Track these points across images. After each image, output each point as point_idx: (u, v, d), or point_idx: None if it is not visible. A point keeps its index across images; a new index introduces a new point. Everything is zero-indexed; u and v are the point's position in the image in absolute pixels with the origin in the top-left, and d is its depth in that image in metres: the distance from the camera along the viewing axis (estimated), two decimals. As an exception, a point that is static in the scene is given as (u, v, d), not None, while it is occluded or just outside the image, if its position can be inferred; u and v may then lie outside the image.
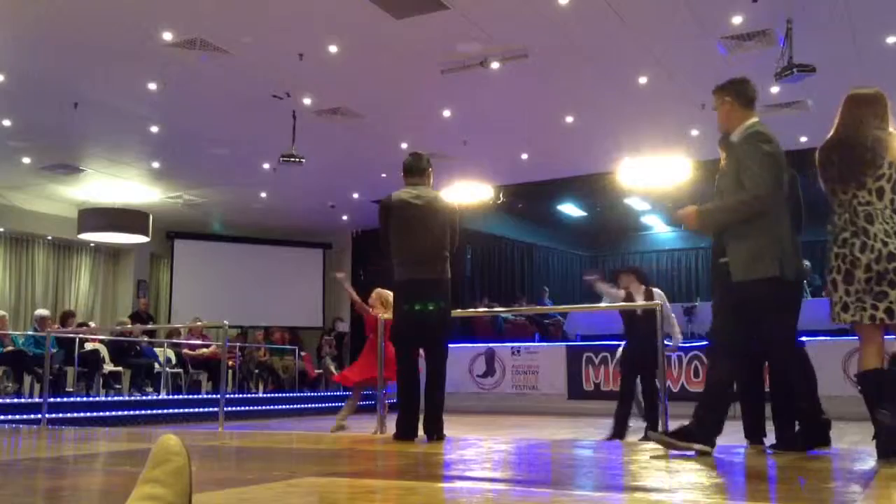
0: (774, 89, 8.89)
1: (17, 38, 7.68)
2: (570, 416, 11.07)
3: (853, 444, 6.51)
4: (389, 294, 8.24)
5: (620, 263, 19.45)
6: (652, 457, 3.82)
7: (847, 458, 4.15)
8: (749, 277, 3.81)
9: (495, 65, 8.15)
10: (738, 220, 3.87)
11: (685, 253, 18.76)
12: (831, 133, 3.91)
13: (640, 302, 6.64)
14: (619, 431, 6.48)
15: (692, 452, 3.79)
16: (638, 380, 6.73)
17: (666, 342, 5.99)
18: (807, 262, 15.38)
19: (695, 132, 10.50)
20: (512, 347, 12.80)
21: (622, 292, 6.87)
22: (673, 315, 6.80)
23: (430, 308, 4.93)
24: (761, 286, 3.79)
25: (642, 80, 8.78)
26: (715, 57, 8.16)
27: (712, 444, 3.89)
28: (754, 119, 4.07)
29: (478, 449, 4.54)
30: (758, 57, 7.99)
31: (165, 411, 10.75)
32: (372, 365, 7.52)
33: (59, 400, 9.49)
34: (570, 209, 16.41)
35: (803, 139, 10.60)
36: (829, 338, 10.81)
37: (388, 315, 8.09)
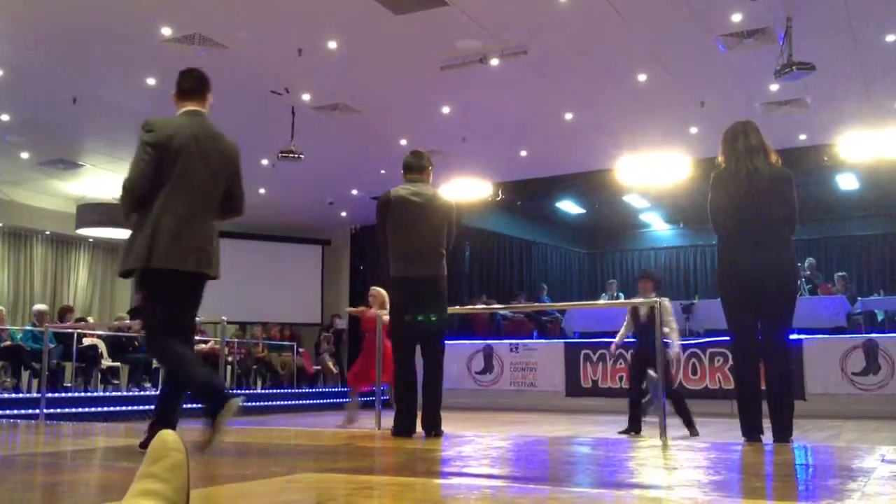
0: (774, 87, 8.89)
1: (15, 32, 7.67)
2: (568, 412, 11.08)
3: (850, 441, 6.53)
4: (385, 293, 8.40)
5: (619, 261, 19.49)
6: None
7: (844, 455, 4.16)
8: (122, 269, 3.80)
9: (495, 61, 8.14)
10: (125, 208, 3.83)
11: (683, 250, 18.76)
12: None
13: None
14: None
15: None
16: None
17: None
18: (811, 259, 15.25)
19: (693, 129, 10.50)
20: (510, 344, 12.80)
21: None
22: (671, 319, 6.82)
23: (420, 318, 4.95)
24: (134, 275, 3.77)
25: (641, 77, 8.78)
26: (714, 54, 8.16)
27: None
28: (181, 109, 4.02)
29: (476, 445, 4.55)
30: (757, 55, 7.99)
31: (164, 407, 10.73)
32: (373, 366, 7.67)
33: (57, 395, 9.49)
34: (569, 206, 16.42)
35: (802, 137, 10.60)
36: (827, 336, 10.84)
37: (385, 313, 8.20)
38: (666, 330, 6.40)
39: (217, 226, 4.00)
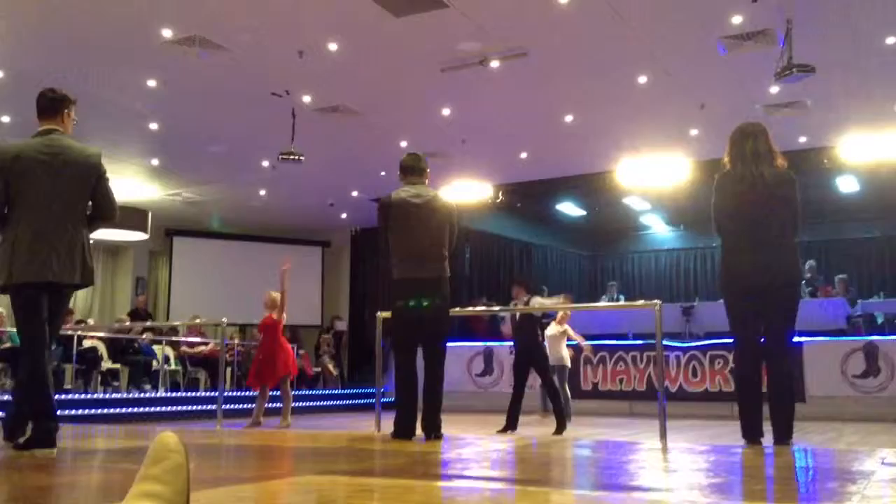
0: (774, 89, 8.89)
1: (16, 34, 7.67)
2: (568, 415, 11.05)
3: (850, 444, 6.53)
4: (275, 296, 8.93)
5: (619, 263, 19.48)
6: None
7: (845, 457, 4.16)
8: None
9: (495, 63, 8.15)
10: None
11: (684, 253, 18.75)
12: None
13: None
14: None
15: None
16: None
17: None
18: (812, 262, 15.23)
19: (694, 132, 10.50)
20: (510, 346, 12.78)
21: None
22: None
23: (425, 304, 4.92)
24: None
25: (642, 79, 8.78)
26: (715, 56, 8.16)
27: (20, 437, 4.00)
28: (38, 129, 4.20)
29: (476, 448, 4.55)
30: (757, 57, 7.99)
31: (163, 409, 10.74)
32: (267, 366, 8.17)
33: (56, 397, 9.43)
34: (569, 208, 16.41)
35: (802, 139, 10.60)
36: (827, 338, 10.83)
37: (274, 314, 8.74)
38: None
39: (81, 235, 4.14)
